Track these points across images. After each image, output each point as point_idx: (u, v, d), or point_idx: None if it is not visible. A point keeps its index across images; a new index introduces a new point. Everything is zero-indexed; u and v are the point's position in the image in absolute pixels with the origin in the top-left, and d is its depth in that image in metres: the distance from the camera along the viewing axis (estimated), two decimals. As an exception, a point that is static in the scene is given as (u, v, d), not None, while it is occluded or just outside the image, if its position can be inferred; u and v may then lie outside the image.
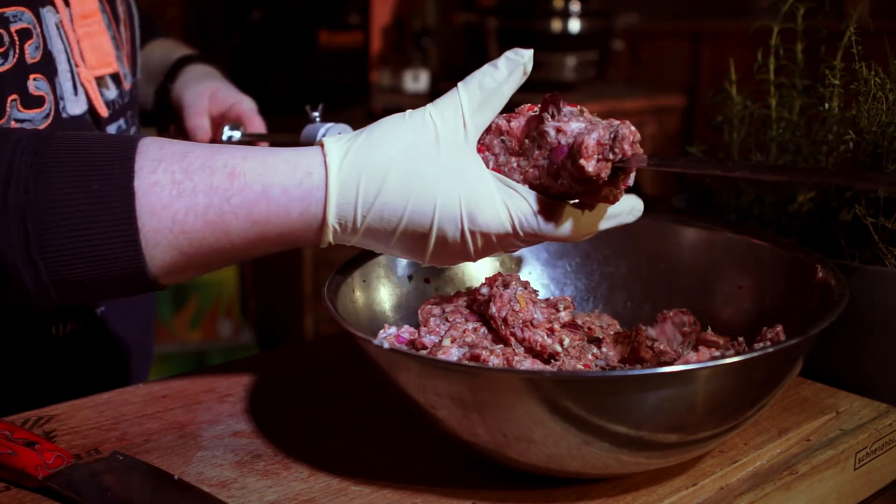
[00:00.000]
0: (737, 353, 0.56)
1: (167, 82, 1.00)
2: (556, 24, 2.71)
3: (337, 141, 0.58)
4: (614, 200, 0.59)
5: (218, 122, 0.94)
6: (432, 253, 0.59)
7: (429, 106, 0.59)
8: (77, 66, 0.75)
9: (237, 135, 0.90)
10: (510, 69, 0.59)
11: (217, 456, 0.62)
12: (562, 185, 0.57)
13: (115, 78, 0.82)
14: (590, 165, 0.55)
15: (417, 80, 2.82)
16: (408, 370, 0.55)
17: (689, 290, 0.74)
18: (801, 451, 0.63)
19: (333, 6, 2.53)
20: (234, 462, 0.61)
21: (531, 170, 0.58)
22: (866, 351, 0.71)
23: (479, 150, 0.60)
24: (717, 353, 0.62)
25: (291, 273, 2.42)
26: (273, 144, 0.89)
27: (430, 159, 0.56)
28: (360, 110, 2.52)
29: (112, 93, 0.81)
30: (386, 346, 0.54)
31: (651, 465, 0.57)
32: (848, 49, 0.75)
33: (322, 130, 0.78)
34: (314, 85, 2.51)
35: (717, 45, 3.03)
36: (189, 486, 0.58)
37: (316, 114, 0.81)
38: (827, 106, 0.78)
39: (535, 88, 2.68)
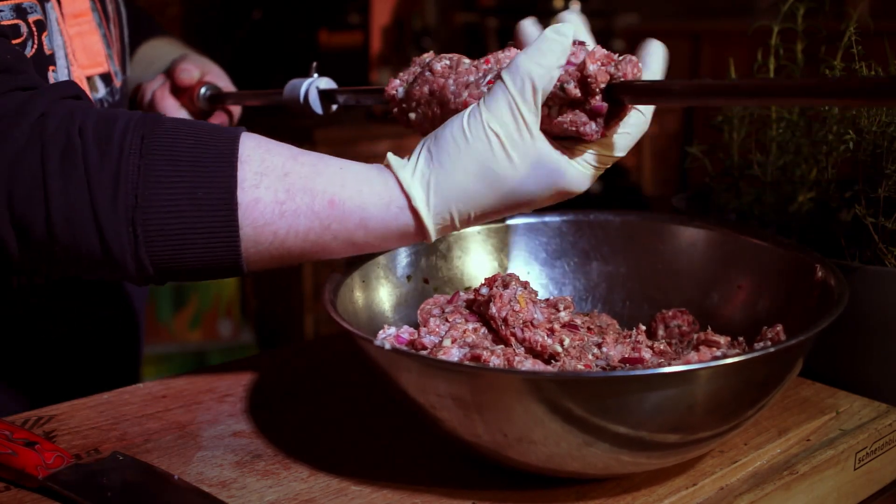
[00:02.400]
0: (737, 353, 0.56)
1: None
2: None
3: (412, 175, 0.60)
4: (603, 135, 0.61)
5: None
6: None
7: (483, 112, 0.59)
8: (71, 64, 0.75)
9: (207, 89, 0.92)
10: (557, 52, 0.59)
11: (217, 456, 0.62)
12: (564, 100, 0.59)
13: (106, 77, 0.82)
14: (592, 67, 0.58)
15: (417, 80, 2.81)
16: (408, 371, 0.55)
17: (689, 290, 0.74)
18: (801, 451, 0.63)
19: (333, 6, 2.54)
20: (234, 462, 0.61)
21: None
22: (866, 351, 0.71)
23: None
24: (719, 353, 0.62)
25: (291, 273, 2.42)
26: (251, 101, 0.93)
27: (504, 167, 0.59)
28: (360, 110, 2.52)
29: (101, 92, 0.81)
30: (387, 346, 0.54)
31: (651, 465, 0.57)
32: (848, 49, 0.75)
33: (304, 85, 0.81)
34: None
35: (717, 45, 3.03)
36: (189, 486, 0.58)
37: (315, 75, 0.82)
38: (827, 106, 0.78)
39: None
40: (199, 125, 0.61)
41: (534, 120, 0.59)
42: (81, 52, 0.77)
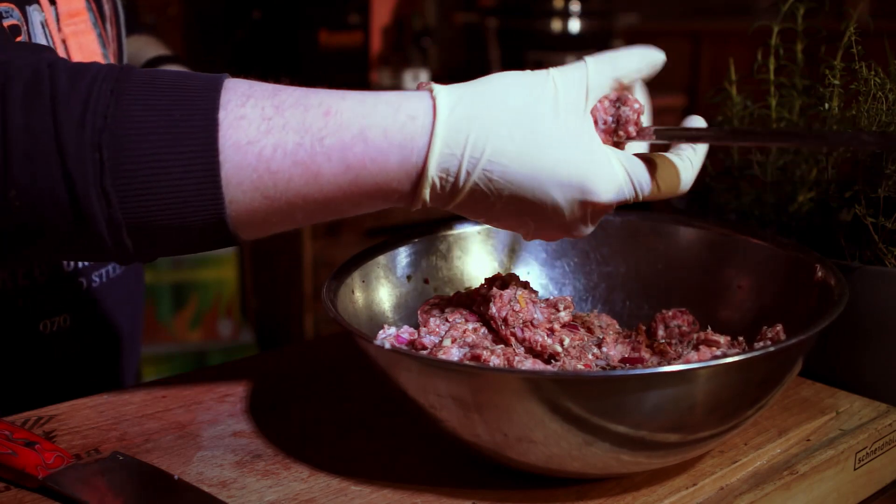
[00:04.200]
0: (737, 353, 0.56)
1: None
2: (556, 24, 2.71)
3: (448, 87, 0.54)
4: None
5: None
6: (539, 226, 0.56)
7: (552, 69, 0.56)
8: None
9: None
10: (642, 59, 0.57)
11: (217, 456, 0.62)
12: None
13: None
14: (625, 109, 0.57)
15: (417, 80, 2.82)
16: (408, 370, 0.55)
17: (689, 290, 0.74)
18: (801, 451, 0.63)
19: (333, 6, 2.53)
20: (234, 462, 0.61)
21: None
22: (866, 351, 0.71)
23: None
24: (718, 353, 0.62)
25: (291, 273, 2.42)
26: None
27: (548, 120, 0.53)
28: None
29: None
30: (387, 346, 0.54)
31: (651, 465, 0.57)
32: (848, 49, 0.75)
33: None
34: (314, 85, 2.51)
35: (717, 45, 3.03)
36: (189, 486, 0.58)
37: None
38: (827, 106, 0.78)
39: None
40: (184, 71, 0.56)
41: (593, 101, 0.56)
42: (77, 51, 0.77)
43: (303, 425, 0.67)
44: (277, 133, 0.52)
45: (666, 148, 0.62)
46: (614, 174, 0.55)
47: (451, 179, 0.53)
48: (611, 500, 0.57)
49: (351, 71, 2.59)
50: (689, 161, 0.59)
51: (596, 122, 0.57)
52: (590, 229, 0.58)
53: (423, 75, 2.82)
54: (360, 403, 0.70)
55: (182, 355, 2.50)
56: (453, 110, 0.53)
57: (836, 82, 0.76)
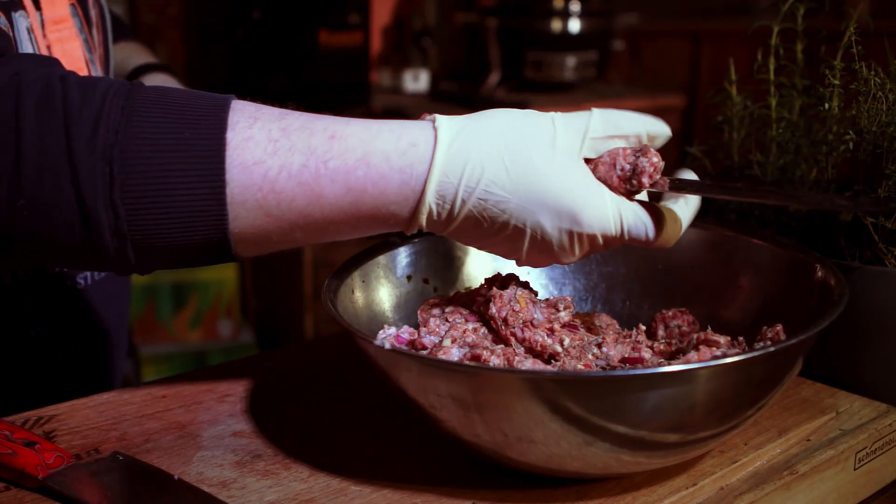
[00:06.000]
0: (737, 353, 0.56)
1: None
2: (556, 24, 2.71)
3: (450, 119, 0.57)
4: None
5: None
6: (529, 252, 0.58)
7: (555, 114, 0.58)
8: None
9: None
10: (645, 128, 0.59)
11: (217, 456, 0.62)
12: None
13: None
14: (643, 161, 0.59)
15: (417, 80, 2.82)
16: (409, 370, 0.55)
17: (689, 290, 0.74)
18: (801, 451, 0.63)
19: (333, 6, 2.53)
20: (234, 462, 0.61)
21: None
22: (866, 351, 0.71)
23: None
24: (718, 353, 0.62)
25: (291, 273, 2.42)
26: None
27: (544, 156, 0.55)
28: (360, 110, 2.52)
29: None
30: (387, 346, 0.54)
31: (651, 465, 0.57)
32: (848, 49, 0.75)
33: None
34: (314, 85, 2.51)
35: (717, 45, 3.03)
36: (189, 486, 0.58)
37: None
38: (827, 106, 0.78)
39: (535, 89, 2.69)
40: (192, 90, 0.57)
41: (590, 151, 0.57)
42: (61, 57, 0.77)
43: (303, 425, 0.67)
44: (284, 154, 0.53)
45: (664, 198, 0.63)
46: (604, 207, 0.57)
47: (448, 206, 0.56)
48: (611, 500, 0.57)
49: (351, 71, 2.59)
50: (679, 220, 0.62)
51: (613, 166, 0.59)
52: (575, 258, 0.60)
53: (423, 75, 2.82)
54: (360, 403, 0.70)
55: (182, 355, 2.50)
56: (453, 141, 0.55)
57: (836, 82, 0.77)
